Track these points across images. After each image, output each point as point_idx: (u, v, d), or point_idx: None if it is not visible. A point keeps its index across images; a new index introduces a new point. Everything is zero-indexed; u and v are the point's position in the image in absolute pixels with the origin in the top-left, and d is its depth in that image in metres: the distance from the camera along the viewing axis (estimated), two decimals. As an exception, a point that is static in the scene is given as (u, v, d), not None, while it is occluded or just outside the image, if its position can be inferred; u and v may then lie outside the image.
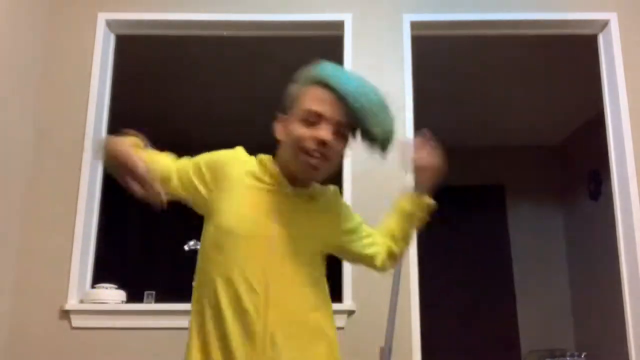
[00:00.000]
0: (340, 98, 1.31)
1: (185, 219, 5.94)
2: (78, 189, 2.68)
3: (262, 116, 4.93)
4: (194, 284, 1.41)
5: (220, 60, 3.99)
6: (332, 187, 1.50)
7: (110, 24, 2.91)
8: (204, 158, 1.40)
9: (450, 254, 5.34)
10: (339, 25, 2.89)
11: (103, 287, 2.62)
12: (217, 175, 1.37)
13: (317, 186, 1.43)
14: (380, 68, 2.84)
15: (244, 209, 1.34)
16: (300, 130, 1.31)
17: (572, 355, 4.52)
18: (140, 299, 2.67)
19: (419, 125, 2.83)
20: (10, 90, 2.57)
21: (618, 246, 2.72)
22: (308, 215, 1.39)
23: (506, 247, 5.43)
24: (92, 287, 2.67)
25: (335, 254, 1.51)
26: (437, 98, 4.37)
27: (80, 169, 2.70)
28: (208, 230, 1.43)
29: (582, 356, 4.45)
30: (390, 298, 2.40)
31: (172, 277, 4.95)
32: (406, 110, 2.79)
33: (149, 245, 5.36)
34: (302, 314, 1.34)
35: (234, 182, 1.36)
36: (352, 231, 1.50)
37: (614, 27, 2.85)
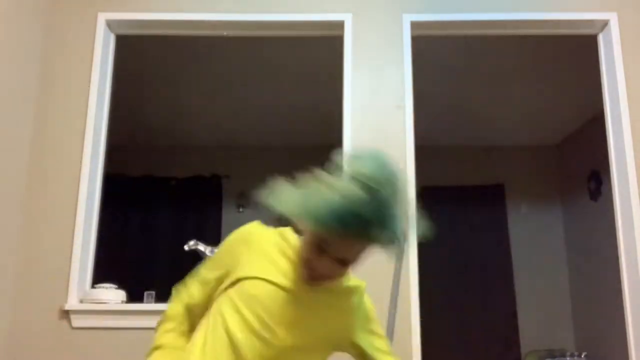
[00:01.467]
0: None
1: (185, 219, 5.95)
2: (78, 188, 2.68)
3: (262, 116, 4.97)
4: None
5: (221, 60, 3.99)
6: (359, 286, 1.42)
7: (110, 24, 2.90)
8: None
9: (450, 253, 5.34)
10: (339, 25, 2.89)
11: (103, 287, 2.62)
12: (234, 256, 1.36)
13: (340, 285, 1.35)
14: (380, 68, 2.84)
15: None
16: (309, 254, 1.24)
17: (572, 355, 4.52)
18: (140, 299, 2.67)
19: (418, 125, 2.83)
20: (10, 90, 2.57)
21: (618, 246, 2.72)
22: (325, 315, 1.33)
23: (506, 247, 5.43)
24: (92, 287, 2.66)
25: (339, 349, 1.41)
26: (437, 98, 4.37)
27: (80, 169, 2.69)
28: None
29: (582, 356, 4.45)
30: (390, 299, 2.40)
31: (172, 277, 4.96)
32: (406, 110, 2.79)
33: (149, 245, 5.36)
34: None
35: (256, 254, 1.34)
36: (369, 332, 1.43)
37: (614, 27, 2.85)
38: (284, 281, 1.29)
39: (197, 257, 2.77)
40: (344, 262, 1.25)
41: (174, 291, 1.45)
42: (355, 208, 1.14)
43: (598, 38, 2.95)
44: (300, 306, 1.28)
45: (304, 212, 1.19)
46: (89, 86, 2.78)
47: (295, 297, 1.28)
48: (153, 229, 5.43)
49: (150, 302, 2.64)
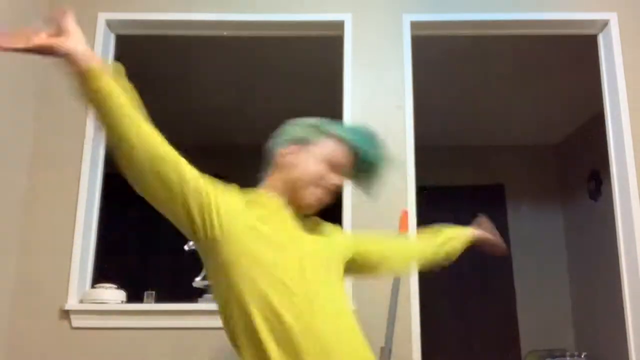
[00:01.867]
0: (353, 154, 1.54)
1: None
2: (78, 188, 2.68)
3: (262, 116, 4.97)
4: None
5: (220, 60, 3.99)
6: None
7: (110, 24, 2.91)
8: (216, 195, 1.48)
9: (450, 254, 5.34)
10: (339, 25, 2.89)
11: (103, 287, 2.62)
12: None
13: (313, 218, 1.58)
14: (380, 68, 2.84)
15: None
16: (322, 170, 1.49)
17: (572, 355, 4.52)
18: (140, 299, 2.67)
19: (418, 125, 2.83)
20: (9, 90, 2.57)
21: (618, 246, 2.72)
22: (320, 234, 1.55)
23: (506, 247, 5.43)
24: (92, 287, 2.67)
25: (358, 268, 1.62)
26: (437, 98, 4.37)
27: (80, 169, 2.70)
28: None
29: (582, 356, 4.45)
30: (390, 299, 2.40)
31: (172, 277, 4.97)
32: (406, 110, 2.79)
33: (149, 245, 5.36)
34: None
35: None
36: (358, 239, 1.67)
37: (614, 27, 2.85)
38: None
39: (197, 257, 2.77)
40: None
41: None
42: (365, 133, 1.58)
43: (598, 38, 2.95)
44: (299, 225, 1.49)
45: (338, 130, 1.53)
46: (89, 86, 2.78)
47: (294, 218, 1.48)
48: (153, 229, 5.42)
49: (150, 302, 2.64)
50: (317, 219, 1.59)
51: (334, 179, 1.51)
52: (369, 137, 1.60)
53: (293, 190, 1.49)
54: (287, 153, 1.55)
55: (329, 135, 1.54)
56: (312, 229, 1.52)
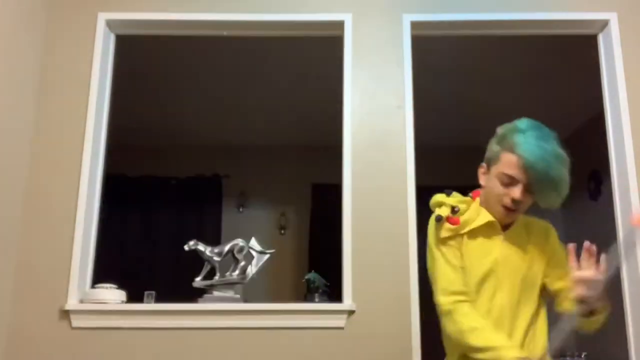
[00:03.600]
0: (527, 167, 1.63)
1: (185, 219, 5.95)
2: (78, 188, 2.68)
3: (262, 116, 4.97)
4: None
5: (221, 60, 3.99)
6: (548, 225, 1.84)
7: (110, 24, 2.91)
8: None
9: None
10: (339, 25, 2.89)
11: (103, 287, 2.62)
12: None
13: (528, 220, 1.81)
14: (380, 68, 2.84)
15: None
16: (499, 189, 1.68)
17: (572, 355, 4.51)
18: (140, 299, 2.67)
19: (418, 125, 2.83)
20: (9, 90, 2.57)
21: (618, 246, 2.72)
22: (524, 245, 1.76)
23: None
24: (92, 287, 2.66)
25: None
26: (437, 98, 4.37)
27: (80, 169, 2.70)
28: None
29: (582, 356, 4.45)
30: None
31: (172, 277, 4.97)
32: (406, 110, 2.79)
33: (149, 245, 5.36)
34: None
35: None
36: (556, 263, 1.75)
37: (614, 27, 2.84)
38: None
39: (197, 257, 2.77)
40: (526, 191, 1.66)
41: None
42: (545, 155, 1.65)
43: (598, 38, 2.95)
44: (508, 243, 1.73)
45: (515, 140, 1.67)
46: (89, 86, 2.78)
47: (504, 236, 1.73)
48: (153, 229, 5.43)
49: (150, 302, 2.64)
50: (539, 224, 1.83)
51: (509, 193, 1.66)
52: (545, 154, 1.65)
53: (490, 208, 1.73)
54: (480, 173, 1.80)
55: (509, 149, 1.67)
56: (522, 236, 1.77)
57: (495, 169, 1.70)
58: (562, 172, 1.66)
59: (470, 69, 4.07)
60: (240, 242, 2.75)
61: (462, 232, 1.70)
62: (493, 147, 1.75)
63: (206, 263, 2.73)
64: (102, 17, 2.86)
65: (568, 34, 3.00)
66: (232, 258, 2.74)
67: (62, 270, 2.59)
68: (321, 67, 3.75)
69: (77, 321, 2.54)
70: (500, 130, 1.78)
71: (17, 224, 2.62)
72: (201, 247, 2.73)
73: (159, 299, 2.66)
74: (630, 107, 2.75)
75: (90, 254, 2.73)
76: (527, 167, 1.62)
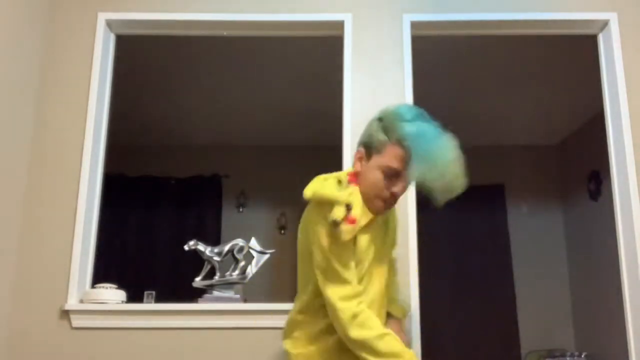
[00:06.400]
0: (420, 169, 1.60)
1: (185, 219, 5.95)
2: (78, 188, 2.68)
3: (262, 116, 4.97)
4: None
5: (221, 60, 3.99)
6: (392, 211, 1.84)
7: (110, 24, 2.91)
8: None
9: (450, 253, 5.34)
10: (339, 25, 2.89)
11: (103, 287, 2.62)
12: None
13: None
14: (380, 68, 2.84)
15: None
16: (381, 183, 1.63)
17: (572, 355, 4.52)
18: (140, 299, 2.67)
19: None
20: (9, 90, 2.57)
21: (618, 246, 2.72)
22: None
23: (506, 247, 5.43)
24: (92, 287, 2.67)
25: None
26: (437, 98, 4.37)
27: (80, 169, 2.70)
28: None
29: (582, 356, 4.45)
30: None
31: (172, 277, 4.97)
32: (406, 110, 2.78)
33: (149, 245, 5.36)
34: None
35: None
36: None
37: (614, 27, 2.85)
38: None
39: (197, 257, 2.77)
40: (406, 186, 1.68)
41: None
42: (438, 149, 1.61)
43: (598, 38, 2.95)
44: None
45: (405, 132, 1.61)
46: (89, 86, 2.78)
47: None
48: (153, 229, 5.43)
49: (150, 302, 2.64)
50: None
51: (391, 188, 1.64)
52: (439, 152, 1.61)
53: (365, 198, 1.66)
54: (357, 159, 1.71)
55: (396, 142, 1.62)
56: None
57: (379, 160, 1.64)
58: (451, 155, 1.63)
59: (470, 69, 4.07)
60: (240, 242, 2.75)
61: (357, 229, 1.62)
62: (378, 135, 1.66)
63: (206, 263, 2.73)
64: (102, 17, 2.86)
65: (568, 34, 3.00)
66: (232, 258, 2.74)
67: (62, 270, 2.59)
68: (321, 67, 3.75)
69: (77, 321, 2.54)
70: (382, 115, 1.71)
71: (17, 224, 2.62)
72: (201, 247, 2.73)
73: (159, 299, 2.66)
74: (630, 107, 2.75)
75: (90, 254, 2.73)
76: (414, 164, 1.59)
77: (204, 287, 2.70)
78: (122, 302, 2.63)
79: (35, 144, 2.73)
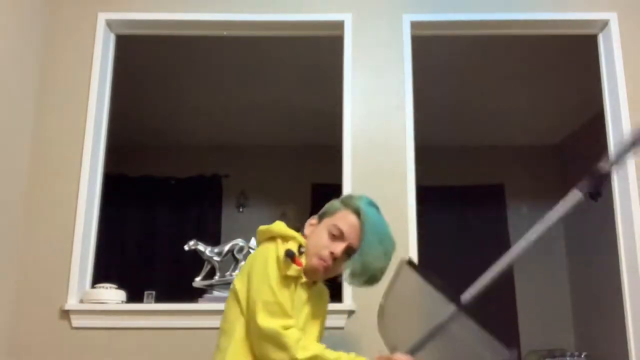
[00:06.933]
0: (361, 229, 1.65)
1: (185, 219, 5.94)
2: (78, 188, 2.68)
3: (262, 116, 4.97)
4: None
5: (220, 60, 3.99)
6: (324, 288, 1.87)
7: (110, 24, 2.91)
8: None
9: (450, 253, 5.34)
10: (339, 25, 2.89)
11: (103, 287, 2.62)
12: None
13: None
14: (380, 68, 2.84)
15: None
16: (324, 241, 1.66)
17: (572, 355, 4.51)
18: (140, 299, 2.67)
19: (418, 125, 2.83)
20: (10, 90, 2.57)
21: (618, 246, 2.72)
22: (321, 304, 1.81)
23: (506, 247, 5.38)
24: (92, 287, 2.67)
25: None
26: (437, 98, 4.37)
27: (80, 169, 2.70)
28: None
29: (582, 356, 4.45)
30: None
31: (172, 277, 4.97)
32: (406, 110, 2.79)
33: (149, 245, 5.36)
34: None
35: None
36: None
37: (614, 27, 2.85)
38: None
39: (197, 257, 2.78)
40: (346, 253, 1.67)
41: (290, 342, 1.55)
42: (382, 237, 1.67)
43: (598, 38, 2.95)
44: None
45: (360, 206, 1.68)
46: (89, 86, 2.78)
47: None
48: (153, 229, 5.43)
49: (150, 302, 2.65)
50: (323, 288, 1.87)
51: (332, 247, 1.64)
52: (383, 228, 1.67)
53: (307, 259, 1.66)
54: (309, 225, 1.76)
55: (352, 210, 1.68)
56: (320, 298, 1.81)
57: (329, 221, 1.69)
58: (392, 250, 1.68)
59: (470, 69, 4.07)
60: (240, 242, 2.75)
61: (300, 278, 1.63)
62: (334, 203, 1.75)
63: (206, 263, 2.73)
64: (102, 17, 2.86)
65: (568, 34, 3.00)
66: (232, 258, 2.74)
67: (62, 270, 2.59)
68: (321, 67, 3.75)
69: (77, 321, 2.54)
70: (343, 196, 1.81)
71: (17, 224, 2.62)
72: (201, 247, 2.73)
73: (159, 299, 2.66)
74: (630, 107, 2.75)
75: (90, 254, 2.73)
76: (365, 229, 1.64)
77: (204, 287, 2.70)
78: (122, 302, 2.63)
79: (35, 144, 2.73)
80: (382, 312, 1.70)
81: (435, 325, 1.55)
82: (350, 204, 1.71)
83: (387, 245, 1.67)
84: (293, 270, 1.59)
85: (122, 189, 5.17)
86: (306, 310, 1.68)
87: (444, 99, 4.49)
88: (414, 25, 2.89)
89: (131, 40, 3.02)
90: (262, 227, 1.74)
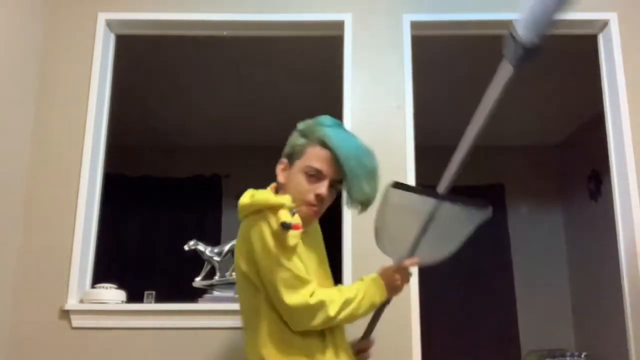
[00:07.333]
0: (336, 159, 1.59)
1: (185, 219, 5.95)
2: (78, 188, 2.68)
3: (262, 116, 4.97)
4: None
5: (221, 60, 3.99)
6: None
7: (110, 24, 2.91)
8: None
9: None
10: (339, 25, 2.89)
11: (103, 287, 2.62)
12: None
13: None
14: (380, 68, 2.84)
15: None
16: (304, 185, 1.61)
17: (572, 355, 4.52)
18: (140, 299, 2.67)
19: (418, 125, 2.83)
20: (9, 90, 2.57)
21: (618, 246, 2.72)
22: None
23: (506, 247, 5.43)
24: (92, 287, 2.67)
25: None
26: (437, 98, 4.37)
27: (80, 169, 2.70)
28: None
29: (582, 356, 4.45)
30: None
31: (172, 277, 4.97)
32: (406, 110, 2.79)
33: (148, 245, 5.36)
34: None
35: None
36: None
37: (614, 27, 2.85)
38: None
39: (197, 257, 2.77)
40: (331, 187, 1.65)
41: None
42: (356, 149, 1.63)
43: (598, 38, 2.95)
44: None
45: (323, 132, 1.63)
46: (89, 86, 2.78)
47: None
48: (153, 229, 5.43)
49: (150, 302, 2.64)
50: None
51: (315, 189, 1.61)
52: (357, 146, 1.64)
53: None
54: (280, 169, 1.71)
55: (317, 143, 1.63)
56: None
57: (301, 163, 1.64)
58: (375, 163, 1.65)
59: (470, 69, 4.06)
60: (240, 242, 2.75)
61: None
62: (297, 140, 1.68)
63: (206, 263, 2.73)
64: (102, 17, 2.86)
65: (568, 34, 3.00)
66: (232, 258, 2.74)
67: (62, 270, 2.59)
68: (321, 67, 3.75)
69: (77, 321, 2.54)
70: (301, 125, 1.72)
71: (17, 224, 2.62)
72: (201, 247, 2.73)
73: (159, 299, 2.66)
74: (630, 107, 2.75)
75: (90, 254, 2.73)
76: (341, 160, 1.58)
77: (204, 287, 2.70)
78: (122, 302, 2.63)
79: (35, 144, 2.73)
80: (377, 234, 1.76)
81: (425, 220, 1.72)
82: (314, 137, 1.64)
83: (368, 162, 1.63)
84: (293, 237, 1.52)
85: (122, 189, 5.17)
86: (313, 257, 1.69)
87: (444, 99, 4.48)
88: (414, 25, 2.89)
89: (131, 40, 3.02)
90: (244, 202, 1.62)
